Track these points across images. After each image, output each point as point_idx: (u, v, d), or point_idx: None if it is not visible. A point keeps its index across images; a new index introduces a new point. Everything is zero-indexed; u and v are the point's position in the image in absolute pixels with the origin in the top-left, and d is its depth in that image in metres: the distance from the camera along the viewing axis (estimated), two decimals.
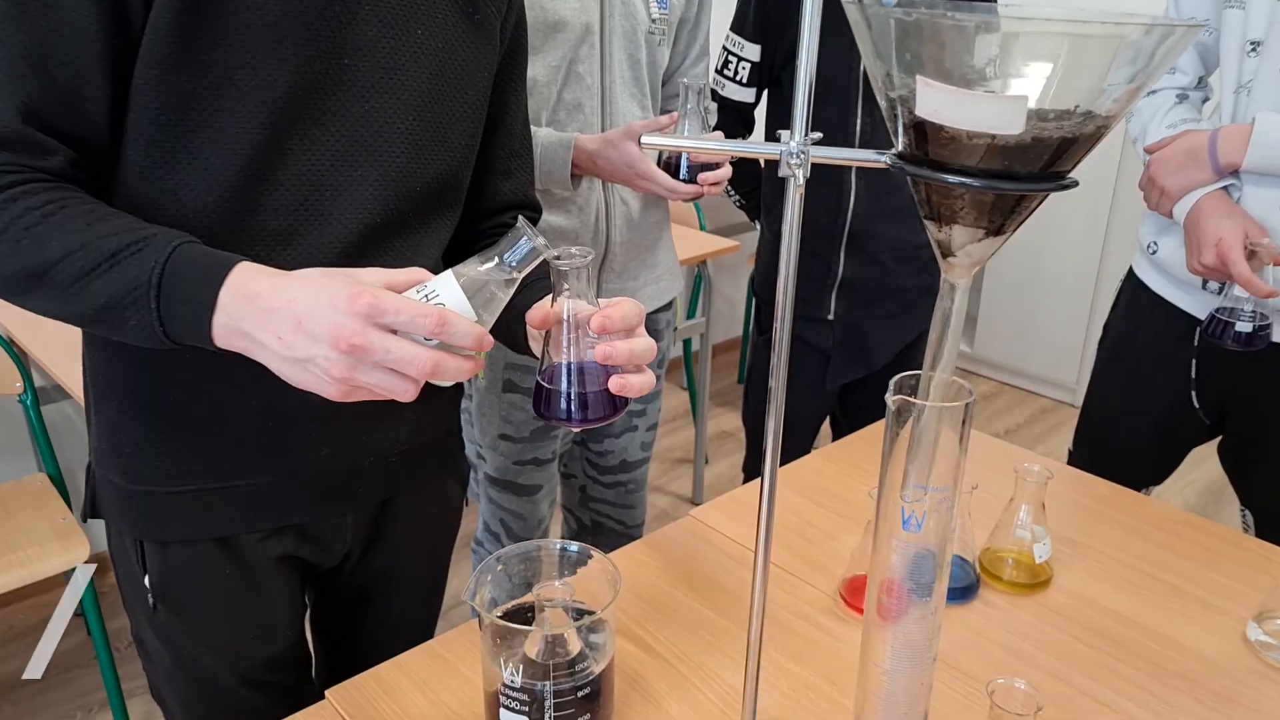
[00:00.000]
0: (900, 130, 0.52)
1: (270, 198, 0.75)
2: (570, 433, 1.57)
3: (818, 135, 0.58)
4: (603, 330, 0.69)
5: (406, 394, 0.64)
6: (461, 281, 0.68)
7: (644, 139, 0.63)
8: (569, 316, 0.70)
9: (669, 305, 1.56)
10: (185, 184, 0.73)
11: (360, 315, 0.61)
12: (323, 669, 1.07)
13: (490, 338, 0.67)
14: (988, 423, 3.33)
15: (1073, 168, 0.51)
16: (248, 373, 0.67)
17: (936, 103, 0.47)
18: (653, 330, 1.56)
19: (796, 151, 0.54)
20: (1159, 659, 0.91)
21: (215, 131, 0.72)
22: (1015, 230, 0.52)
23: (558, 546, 0.83)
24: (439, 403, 0.96)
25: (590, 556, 0.82)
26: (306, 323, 0.61)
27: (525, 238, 0.68)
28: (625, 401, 0.72)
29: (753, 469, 1.92)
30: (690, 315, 3.25)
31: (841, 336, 1.70)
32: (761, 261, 1.79)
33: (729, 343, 3.74)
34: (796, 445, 1.84)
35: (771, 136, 0.58)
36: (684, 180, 1.31)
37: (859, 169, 1.61)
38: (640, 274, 1.47)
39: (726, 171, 1.35)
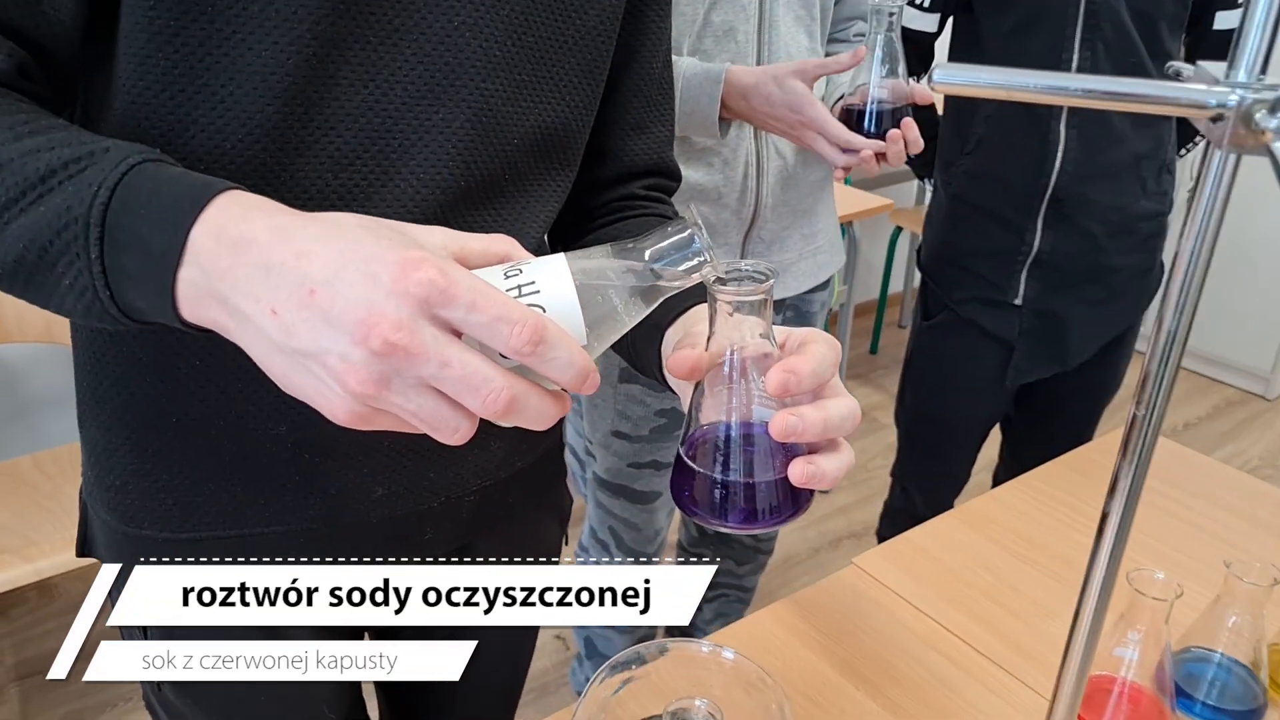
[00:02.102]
0: None
1: (316, 146, 0.53)
2: None
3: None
4: (784, 393, 0.44)
5: (454, 434, 0.40)
6: (577, 277, 0.42)
7: (936, 77, 0.36)
8: (733, 367, 0.45)
9: (826, 283, 1.28)
10: (195, 122, 0.51)
11: (413, 297, 0.37)
12: None
13: (597, 375, 0.42)
14: None
15: None
16: (275, 386, 0.45)
17: None
18: (804, 313, 1.29)
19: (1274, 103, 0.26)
20: None
21: (236, 49, 0.49)
22: None
23: (702, 648, 0.60)
24: None
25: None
26: (323, 294, 0.38)
27: (694, 238, 0.43)
28: (809, 495, 0.47)
29: (906, 477, 1.65)
30: None
31: (1031, 324, 1.39)
32: (933, 231, 1.49)
33: (862, 306, 3.39)
34: (961, 450, 1.56)
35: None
36: (869, 134, 1.02)
37: (1069, 110, 1.28)
38: (794, 245, 1.20)
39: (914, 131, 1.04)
